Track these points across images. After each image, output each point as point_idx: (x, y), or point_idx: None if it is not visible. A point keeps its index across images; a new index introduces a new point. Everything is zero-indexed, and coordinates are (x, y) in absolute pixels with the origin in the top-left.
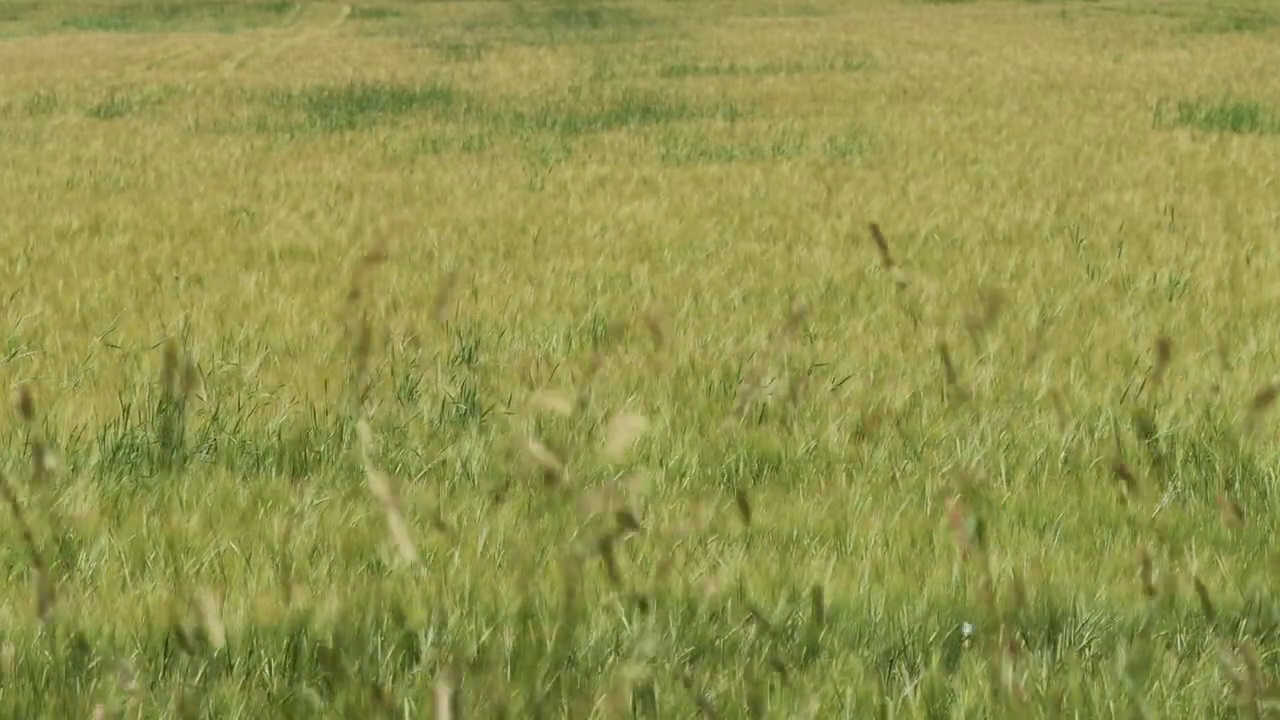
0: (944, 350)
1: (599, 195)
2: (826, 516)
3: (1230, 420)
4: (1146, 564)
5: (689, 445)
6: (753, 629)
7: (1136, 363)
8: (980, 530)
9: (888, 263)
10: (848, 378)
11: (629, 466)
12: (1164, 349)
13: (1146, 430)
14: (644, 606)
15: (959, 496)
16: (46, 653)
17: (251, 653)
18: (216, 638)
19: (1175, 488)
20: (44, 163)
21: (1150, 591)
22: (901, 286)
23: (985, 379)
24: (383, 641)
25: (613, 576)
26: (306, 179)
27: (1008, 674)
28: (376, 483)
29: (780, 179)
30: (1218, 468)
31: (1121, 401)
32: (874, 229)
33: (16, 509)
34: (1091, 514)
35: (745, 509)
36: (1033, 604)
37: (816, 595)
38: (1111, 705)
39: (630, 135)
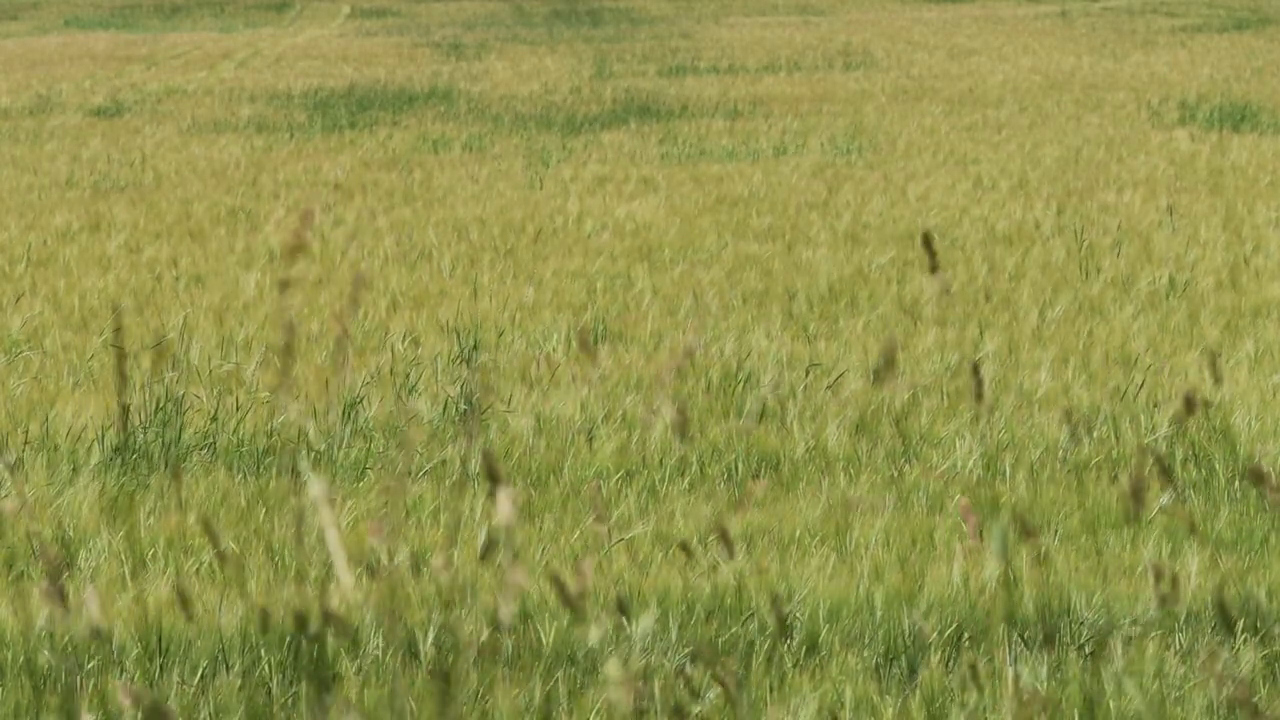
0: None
1: (599, 195)
2: (827, 516)
3: (1230, 420)
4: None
5: (689, 445)
6: (751, 627)
7: (1136, 362)
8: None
9: (934, 268)
10: (844, 372)
11: (626, 468)
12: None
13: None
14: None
15: (963, 496)
16: (45, 652)
17: (250, 651)
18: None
19: (1175, 487)
20: (44, 162)
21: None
22: (946, 292)
23: (985, 378)
24: (384, 641)
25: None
26: (306, 179)
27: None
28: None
29: (780, 179)
30: (1218, 467)
31: (1120, 401)
32: (925, 239)
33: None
34: (1092, 513)
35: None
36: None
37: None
38: (1111, 705)
39: (630, 135)
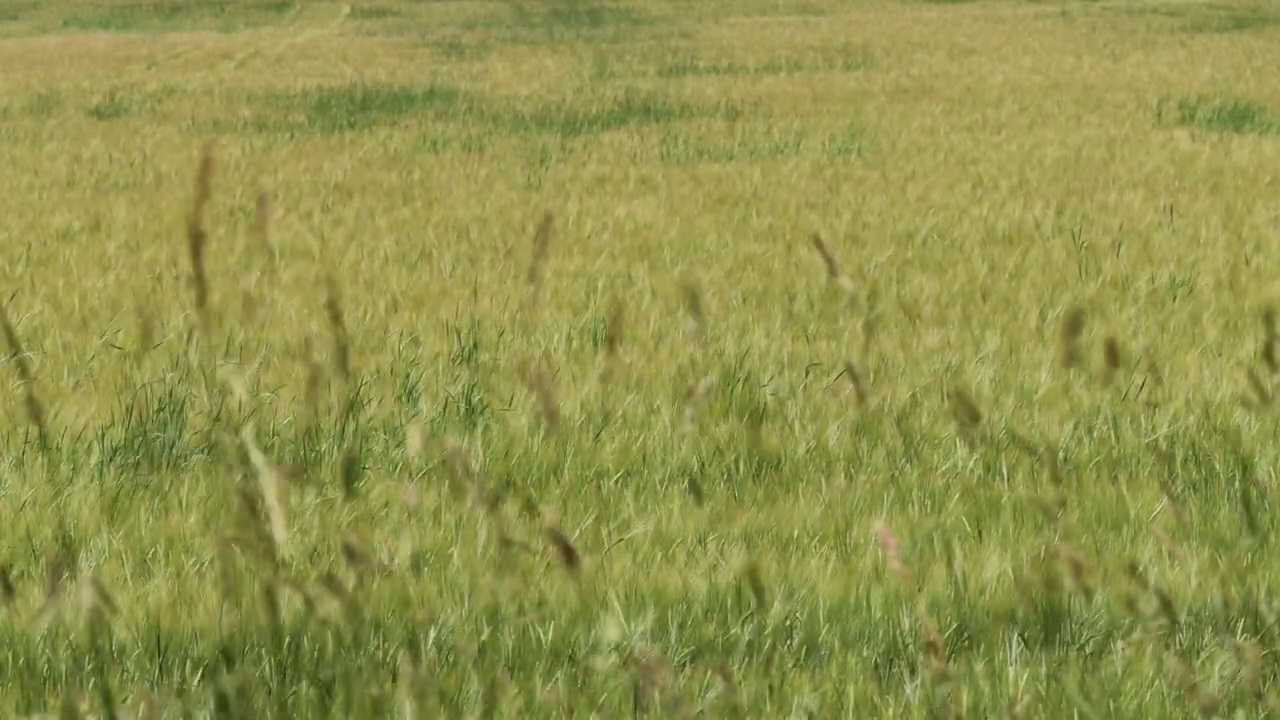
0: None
1: (598, 195)
2: (826, 516)
3: (1230, 420)
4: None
5: (689, 445)
6: (750, 627)
7: (1137, 363)
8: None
9: (833, 274)
10: (844, 372)
11: (629, 467)
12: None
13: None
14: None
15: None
16: (47, 652)
17: (250, 650)
18: None
19: (1175, 487)
20: (44, 162)
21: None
22: (852, 300)
23: (985, 378)
24: (384, 641)
25: None
26: (306, 179)
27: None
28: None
29: (780, 178)
30: (1218, 467)
31: (1121, 401)
32: (817, 240)
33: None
34: (1091, 512)
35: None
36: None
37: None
38: (1110, 704)
39: (630, 135)
